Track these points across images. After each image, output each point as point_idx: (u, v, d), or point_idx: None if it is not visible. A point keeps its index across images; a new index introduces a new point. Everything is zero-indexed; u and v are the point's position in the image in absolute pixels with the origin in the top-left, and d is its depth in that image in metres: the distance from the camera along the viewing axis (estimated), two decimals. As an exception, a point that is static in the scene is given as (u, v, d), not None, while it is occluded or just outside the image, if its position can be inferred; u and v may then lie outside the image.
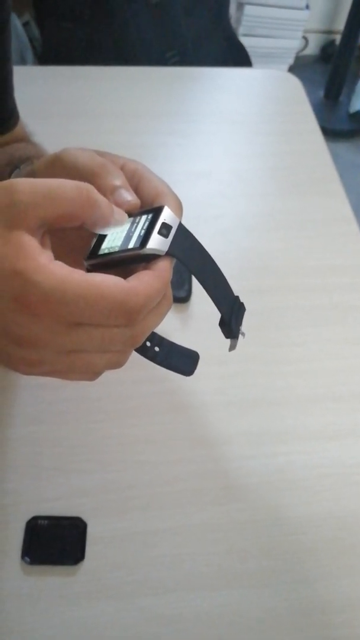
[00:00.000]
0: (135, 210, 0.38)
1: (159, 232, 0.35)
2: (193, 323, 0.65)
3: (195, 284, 0.68)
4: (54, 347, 0.33)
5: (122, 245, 0.35)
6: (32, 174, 0.41)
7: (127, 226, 0.36)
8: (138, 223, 0.36)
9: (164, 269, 0.35)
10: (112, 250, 0.35)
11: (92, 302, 0.31)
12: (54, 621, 0.47)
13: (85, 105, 0.89)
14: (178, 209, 0.39)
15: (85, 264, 0.37)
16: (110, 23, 1.34)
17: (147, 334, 0.36)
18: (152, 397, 0.59)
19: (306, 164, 0.83)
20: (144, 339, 0.36)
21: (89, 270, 0.35)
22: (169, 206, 0.37)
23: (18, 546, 0.50)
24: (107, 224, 0.35)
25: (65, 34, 1.37)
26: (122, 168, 0.40)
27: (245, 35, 2.27)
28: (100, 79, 0.94)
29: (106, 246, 0.36)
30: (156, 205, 0.38)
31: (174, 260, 0.36)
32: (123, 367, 0.60)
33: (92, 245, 0.37)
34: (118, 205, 0.37)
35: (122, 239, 0.36)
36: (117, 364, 0.37)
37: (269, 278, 0.70)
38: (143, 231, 0.35)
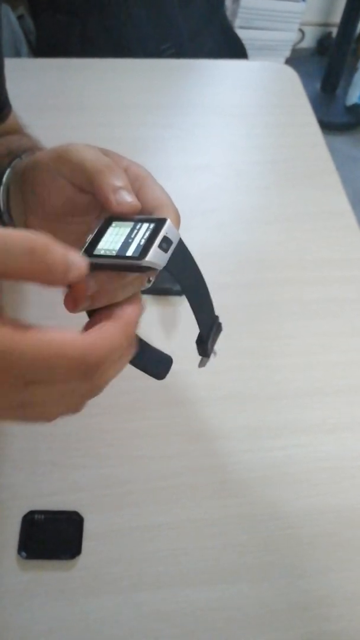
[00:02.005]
0: (134, 214, 0.37)
1: (160, 246, 0.34)
2: (188, 317, 0.64)
3: (192, 277, 0.67)
4: (5, 402, 0.31)
5: (120, 250, 0.34)
6: (35, 165, 0.41)
7: (127, 230, 0.35)
8: (139, 230, 0.35)
9: (131, 321, 0.34)
10: (108, 254, 0.34)
11: (48, 362, 0.29)
12: (51, 616, 0.47)
13: (81, 97, 0.88)
14: (177, 223, 0.38)
15: None
16: (105, 15, 1.33)
17: (107, 384, 0.35)
18: (149, 392, 0.59)
19: (303, 156, 0.83)
20: (103, 390, 0.35)
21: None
22: (166, 213, 0.36)
23: (14, 541, 0.50)
24: (57, 285, 0.31)
25: (60, 26, 1.36)
26: (125, 170, 0.39)
27: (241, 27, 2.25)
28: (95, 71, 0.93)
29: (103, 247, 0.35)
30: (156, 215, 0.38)
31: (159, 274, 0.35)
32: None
33: (89, 241, 0.36)
34: (119, 205, 0.36)
35: (120, 242, 0.35)
36: (75, 411, 0.35)
37: (265, 271, 0.69)
38: (143, 241, 0.34)
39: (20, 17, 1.47)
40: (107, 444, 0.56)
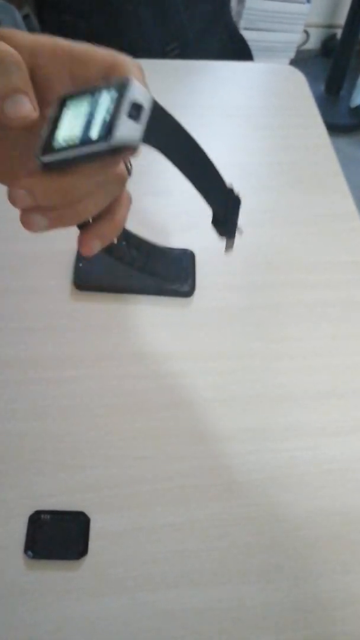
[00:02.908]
0: (31, 121, 0.29)
1: (129, 115, 0.27)
2: (196, 318, 0.65)
3: (199, 277, 0.67)
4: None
5: (82, 136, 0.27)
6: None
7: (85, 106, 0.28)
8: (99, 103, 0.28)
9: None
10: (71, 144, 0.28)
11: None
12: (57, 615, 0.47)
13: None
14: (143, 79, 0.31)
15: (39, 161, 0.29)
16: (111, 15, 1.33)
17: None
18: (154, 393, 0.59)
19: (309, 158, 0.83)
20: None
21: (43, 171, 0.29)
22: (128, 71, 0.29)
23: (21, 540, 0.50)
24: None
25: (65, 26, 1.36)
26: (31, 55, 0.30)
27: (246, 29, 2.25)
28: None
29: (63, 137, 0.28)
30: (115, 77, 0.29)
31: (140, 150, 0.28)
32: (125, 362, 0.60)
33: (45, 136, 0.29)
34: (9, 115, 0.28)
35: (81, 126, 0.28)
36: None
37: (271, 273, 0.70)
38: (108, 115, 0.27)
39: (25, 17, 1.47)
40: (113, 445, 0.56)
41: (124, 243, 0.40)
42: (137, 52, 1.36)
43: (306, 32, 2.56)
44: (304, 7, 2.24)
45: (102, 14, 1.33)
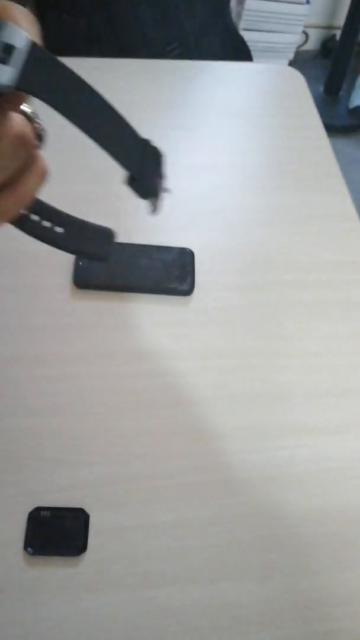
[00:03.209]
0: None
1: None
2: (195, 317, 0.65)
3: (199, 276, 0.68)
4: None
5: None
6: None
7: None
8: None
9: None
10: None
11: None
12: (56, 611, 0.48)
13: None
14: (25, 19, 0.27)
15: None
16: (111, 15, 1.33)
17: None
18: (153, 391, 0.59)
19: (309, 159, 0.83)
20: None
21: None
22: (5, 15, 0.26)
23: (21, 537, 0.50)
24: None
25: (65, 26, 1.36)
26: None
27: (246, 29, 2.26)
28: (100, 71, 0.93)
29: None
30: None
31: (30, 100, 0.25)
32: (125, 360, 0.60)
33: None
34: None
35: None
36: None
37: (270, 273, 0.70)
38: None
39: (26, 17, 1.47)
40: (112, 442, 0.56)
41: (37, 218, 0.36)
42: (138, 51, 1.37)
43: (305, 33, 2.57)
44: (304, 8, 2.24)
45: (102, 13, 1.33)
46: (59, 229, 0.36)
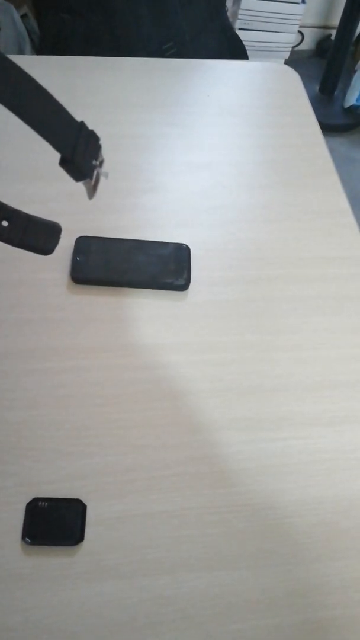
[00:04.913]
0: None
1: None
2: (191, 311, 0.66)
3: (195, 271, 0.69)
4: None
5: None
6: None
7: None
8: None
9: None
10: None
11: None
12: (54, 600, 0.48)
13: (84, 95, 0.89)
14: None
15: None
16: (108, 15, 1.34)
17: None
18: (151, 383, 0.60)
19: (304, 156, 0.84)
20: None
21: None
22: None
23: (19, 527, 0.51)
24: None
25: (63, 25, 1.37)
26: None
27: (241, 29, 2.27)
28: (98, 69, 0.94)
29: None
30: None
31: None
32: (122, 353, 0.61)
33: None
34: None
35: None
36: None
37: (267, 268, 0.71)
38: None
39: (24, 16, 1.48)
40: (110, 433, 0.57)
41: None
42: (135, 50, 1.38)
43: (301, 32, 2.58)
44: (299, 8, 2.25)
45: (100, 13, 1.34)
46: (4, 223, 0.36)
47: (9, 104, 0.28)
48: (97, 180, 0.34)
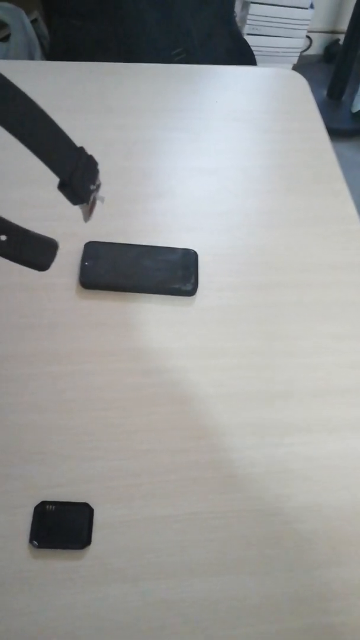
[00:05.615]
0: None
1: None
2: (198, 316, 0.66)
3: (202, 277, 0.69)
4: None
5: None
6: None
7: None
8: None
9: None
10: None
11: None
12: (60, 603, 0.49)
13: (93, 100, 0.90)
14: None
15: None
16: (118, 21, 1.35)
17: None
18: (155, 388, 0.61)
19: (311, 162, 0.85)
20: None
21: None
22: None
23: (26, 530, 0.51)
24: None
25: (73, 31, 1.38)
26: None
27: (250, 34, 2.27)
28: (108, 75, 0.95)
29: None
30: None
31: None
32: (129, 358, 0.62)
33: None
34: None
35: None
36: None
37: (272, 274, 0.71)
38: None
39: (34, 21, 1.49)
40: (115, 437, 0.57)
41: None
42: (144, 56, 1.39)
43: (309, 37, 2.58)
44: (307, 13, 2.26)
45: (109, 18, 1.34)
46: (2, 237, 0.37)
47: (12, 129, 0.29)
48: (94, 204, 0.35)
